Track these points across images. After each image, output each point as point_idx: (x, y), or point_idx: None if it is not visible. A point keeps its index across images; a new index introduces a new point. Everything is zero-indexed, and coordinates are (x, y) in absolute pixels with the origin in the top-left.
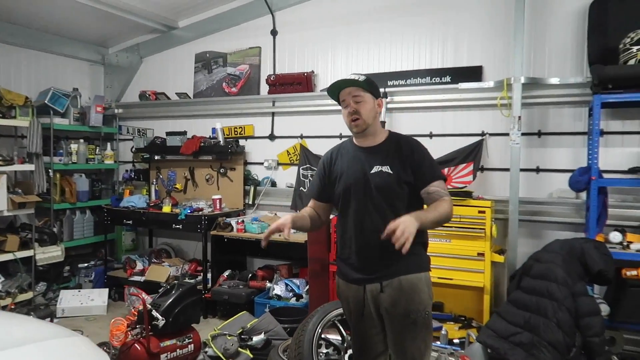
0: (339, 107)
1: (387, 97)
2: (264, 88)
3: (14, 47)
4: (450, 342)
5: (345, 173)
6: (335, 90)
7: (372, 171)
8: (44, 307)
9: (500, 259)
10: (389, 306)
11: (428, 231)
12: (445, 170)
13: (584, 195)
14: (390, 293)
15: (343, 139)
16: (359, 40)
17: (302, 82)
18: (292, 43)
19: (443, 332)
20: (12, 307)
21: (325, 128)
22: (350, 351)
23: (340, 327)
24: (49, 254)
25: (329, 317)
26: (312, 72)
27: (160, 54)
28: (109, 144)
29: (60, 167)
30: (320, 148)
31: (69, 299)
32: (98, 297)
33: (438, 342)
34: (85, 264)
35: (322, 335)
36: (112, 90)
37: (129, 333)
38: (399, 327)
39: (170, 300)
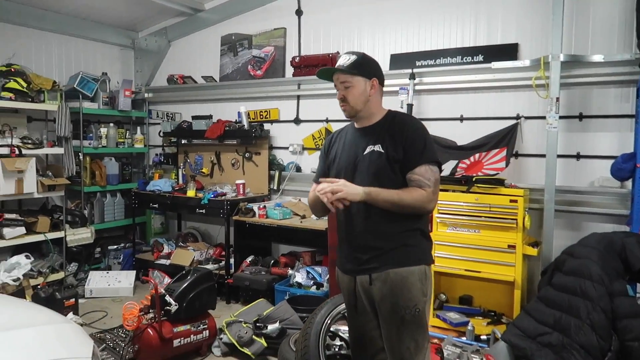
0: None
1: (415, 79)
2: (289, 70)
3: (44, 32)
4: (477, 338)
5: (339, 156)
6: (327, 76)
7: (365, 152)
8: (71, 287)
9: (533, 252)
10: (379, 300)
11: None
12: (477, 155)
13: (630, 184)
14: (379, 287)
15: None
16: (385, 19)
17: (327, 64)
18: (317, 23)
19: (469, 327)
20: (44, 286)
21: None
22: None
23: None
24: (79, 236)
25: (339, 309)
26: (337, 53)
27: (187, 37)
28: (139, 128)
29: (90, 150)
30: None
31: (97, 280)
32: (125, 279)
33: (464, 338)
34: (115, 246)
35: (332, 328)
36: (142, 75)
37: (143, 317)
38: (388, 323)
39: (184, 286)
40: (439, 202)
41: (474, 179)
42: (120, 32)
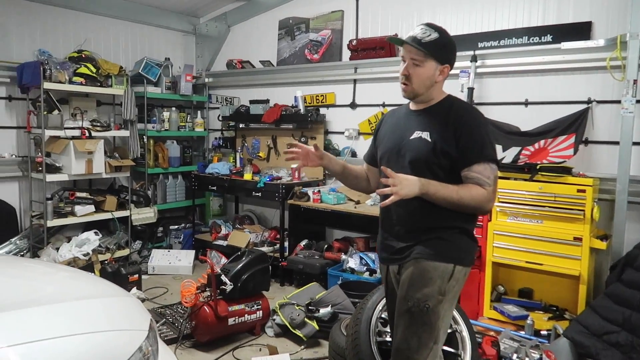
0: None
1: (476, 61)
2: (346, 54)
3: (112, 19)
4: (536, 333)
5: (387, 138)
6: (398, 42)
7: (412, 137)
8: (135, 264)
9: (601, 245)
10: (399, 289)
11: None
12: (542, 142)
13: None
14: (403, 277)
15: None
16: None
17: (384, 47)
18: (375, 5)
19: (529, 321)
20: (111, 261)
21: None
22: None
23: None
24: (143, 215)
25: None
26: (396, 35)
27: (246, 22)
28: (199, 112)
29: (153, 133)
30: None
31: (159, 258)
32: (185, 258)
33: (522, 332)
34: (176, 226)
35: (383, 315)
36: (202, 60)
37: (200, 295)
38: (397, 310)
39: (239, 267)
40: (498, 190)
41: (538, 167)
42: (183, 18)
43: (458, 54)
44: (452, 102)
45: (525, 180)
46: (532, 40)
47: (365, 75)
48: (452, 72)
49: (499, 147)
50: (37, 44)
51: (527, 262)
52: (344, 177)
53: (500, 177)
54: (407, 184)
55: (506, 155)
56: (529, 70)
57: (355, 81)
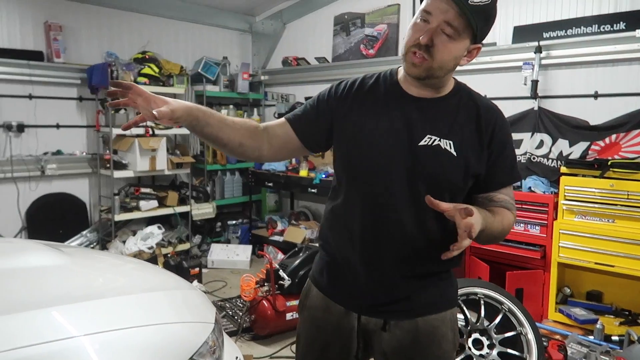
0: (484, 66)
1: (541, 52)
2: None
3: (172, 21)
4: (606, 338)
5: (372, 132)
6: None
7: (423, 142)
8: (196, 258)
9: None
10: (390, 352)
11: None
12: (613, 136)
13: None
14: (397, 336)
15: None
16: None
17: None
18: None
19: (598, 325)
20: (173, 255)
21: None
22: (475, 335)
23: (464, 308)
24: (202, 210)
25: (461, 292)
26: None
27: (301, 19)
28: (255, 110)
29: None
30: None
31: (217, 252)
32: (242, 253)
33: (591, 337)
34: (234, 222)
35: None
36: (258, 58)
37: (259, 290)
38: None
39: (297, 262)
40: (566, 187)
41: (609, 163)
42: (239, 17)
43: (521, 45)
44: (476, 97)
45: (595, 177)
46: (603, 28)
47: None
48: (515, 64)
49: (565, 142)
50: (105, 46)
51: (596, 263)
52: (222, 143)
53: (568, 174)
54: (474, 223)
55: (573, 150)
56: (599, 60)
57: None
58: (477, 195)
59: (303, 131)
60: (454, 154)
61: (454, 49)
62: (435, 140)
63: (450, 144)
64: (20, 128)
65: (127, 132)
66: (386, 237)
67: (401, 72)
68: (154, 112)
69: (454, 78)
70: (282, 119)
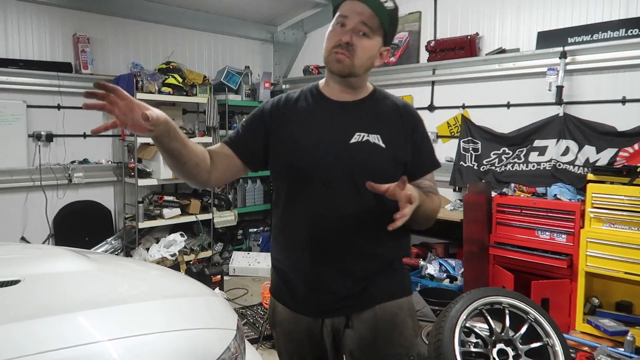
0: (507, 72)
1: (566, 57)
2: (424, 56)
3: (196, 32)
4: (637, 350)
5: (305, 138)
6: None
7: (353, 139)
8: (218, 265)
9: None
10: (355, 348)
11: None
12: None
13: None
14: (359, 329)
15: (498, 107)
16: None
17: (464, 47)
18: (454, 4)
19: (629, 337)
20: (195, 262)
21: (489, 96)
22: (499, 345)
23: (489, 317)
24: (224, 218)
25: (475, 305)
26: (477, 34)
27: (322, 28)
28: None
29: None
30: (484, 118)
31: (239, 260)
32: (263, 261)
33: (621, 349)
34: (255, 229)
35: (467, 324)
36: (280, 67)
37: None
38: None
39: None
40: (593, 195)
41: (639, 169)
42: (261, 27)
43: (546, 50)
44: (392, 98)
45: (624, 184)
46: (631, 32)
47: (444, 77)
48: (539, 70)
49: (592, 149)
50: (131, 57)
51: (625, 272)
52: (182, 160)
53: (595, 181)
54: (412, 189)
55: (601, 157)
56: (627, 65)
57: (433, 83)
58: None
59: (243, 151)
60: (383, 146)
61: (369, 47)
62: (364, 136)
63: (378, 137)
64: (49, 138)
65: (151, 140)
66: (333, 233)
67: (322, 84)
68: (147, 112)
69: (370, 84)
70: (220, 143)
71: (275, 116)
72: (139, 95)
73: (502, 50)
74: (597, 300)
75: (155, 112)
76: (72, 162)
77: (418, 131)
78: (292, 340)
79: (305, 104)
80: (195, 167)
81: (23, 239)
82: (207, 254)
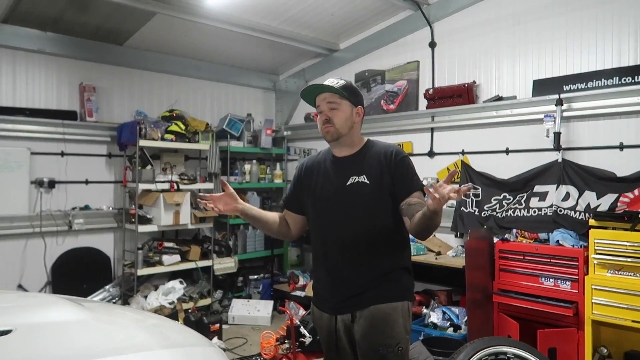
0: (505, 119)
1: (562, 104)
2: (422, 103)
3: (200, 80)
4: None
5: (321, 185)
6: (311, 95)
7: (348, 183)
8: (217, 313)
9: None
10: (359, 338)
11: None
12: None
13: None
14: (361, 324)
15: (497, 153)
16: (526, 42)
17: (462, 94)
18: (452, 53)
19: None
20: (194, 310)
21: (488, 142)
22: None
23: None
24: (224, 265)
25: (479, 355)
26: (474, 82)
27: (323, 76)
28: (278, 164)
29: (235, 185)
30: (484, 164)
31: (238, 308)
32: (264, 308)
33: None
34: (255, 276)
35: None
36: (281, 114)
37: (279, 347)
38: None
39: None
40: (595, 241)
41: None
42: (263, 76)
43: (541, 98)
44: (375, 144)
45: (626, 229)
46: (624, 80)
47: (443, 124)
48: (536, 116)
49: (592, 194)
50: (135, 105)
51: (633, 321)
52: (261, 223)
53: (597, 227)
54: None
55: (601, 202)
56: (623, 112)
57: (432, 129)
58: (400, 205)
59: (295, 208)
60: (368, 182)
61: (342, 114)
62: (356, 179)
63: (364, 177)
64: (51, 184)
65: (153, 187)
66: (340, 252)
67: (332, 148)
68: (240, 205)
69: (366, 138)
70: (284, 210)
71: (305, 172)
72: (142, 142)
73: (499, 98)
74: (606, 350)
75: (241, 205)
76: (73, 208)
77: (397, 164)
78: (322, 332)
79: (321, 162)
80: (270, 225)
81: (20, 286)
82: (207, 301)
